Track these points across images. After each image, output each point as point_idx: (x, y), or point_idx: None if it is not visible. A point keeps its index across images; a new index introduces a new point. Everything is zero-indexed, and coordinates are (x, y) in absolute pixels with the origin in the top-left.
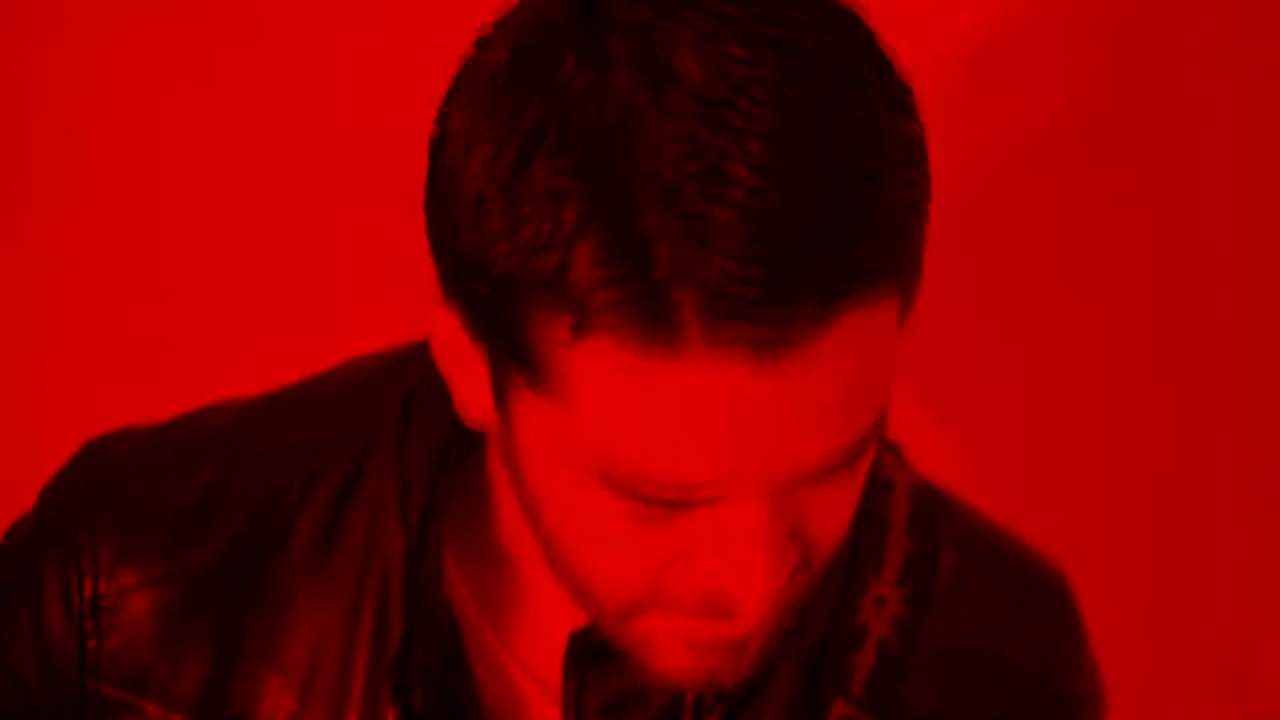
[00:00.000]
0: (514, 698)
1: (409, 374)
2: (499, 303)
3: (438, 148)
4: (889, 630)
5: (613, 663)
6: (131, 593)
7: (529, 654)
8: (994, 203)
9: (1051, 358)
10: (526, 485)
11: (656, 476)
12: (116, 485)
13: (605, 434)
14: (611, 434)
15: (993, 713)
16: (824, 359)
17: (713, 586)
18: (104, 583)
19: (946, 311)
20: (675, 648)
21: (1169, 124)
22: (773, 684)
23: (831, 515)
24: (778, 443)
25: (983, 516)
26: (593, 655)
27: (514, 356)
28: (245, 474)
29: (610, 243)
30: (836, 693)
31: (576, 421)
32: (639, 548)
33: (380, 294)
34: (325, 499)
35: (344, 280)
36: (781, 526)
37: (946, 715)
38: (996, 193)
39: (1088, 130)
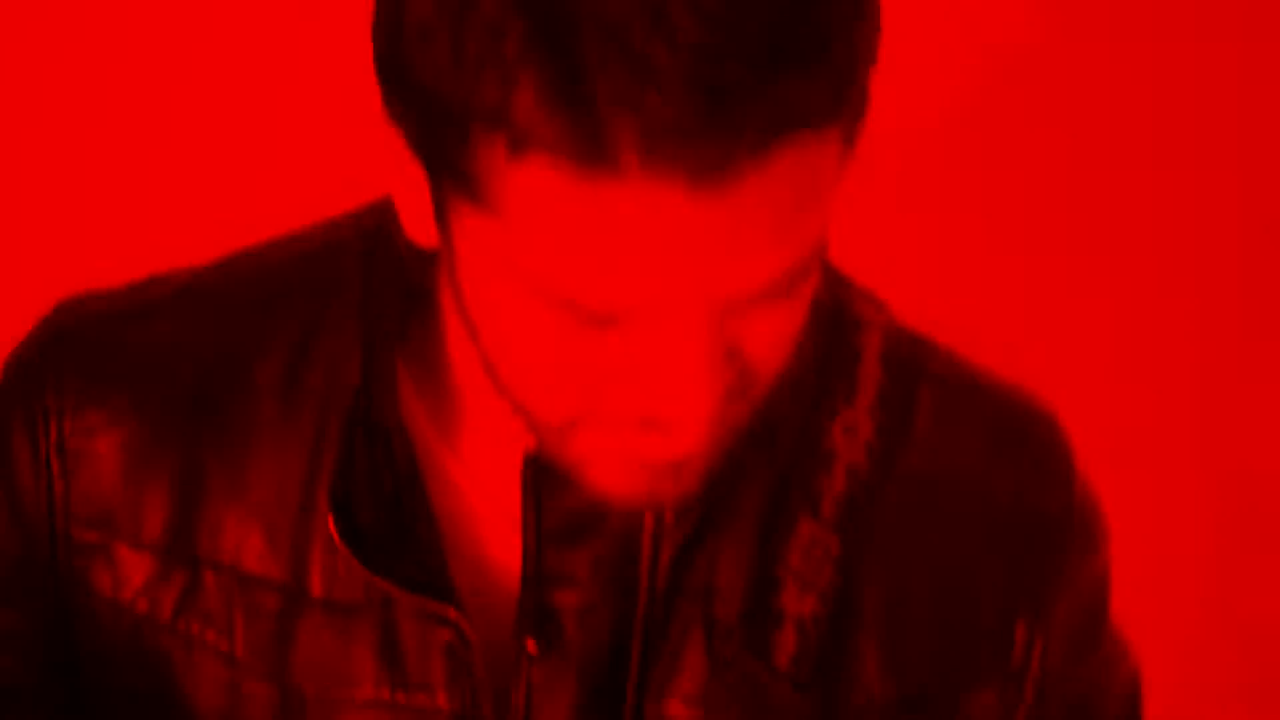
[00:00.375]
0: (472, 523)
1: (369, 226)
2: (441, 127)
3: None
4: (860, 457)
5: (568, 485)
6: (96, 432)
7: (486, 479)
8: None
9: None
10: (466, 303)
11: (590, 294)
12: (80, 332)
13: (541, 250)
14: (547, 251)
15: (976, 545)
16: (760, 190)
17: (648, 404)
18: (69, 423)
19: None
20: (613, 466)
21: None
22: (735, 506)
23: (769, 340)
24: (711, 266)
25: (964, 358)
26: (547, 477)
27: (454, 175)
28: (208, 320)
29: (552, 74)
30: (804, 513)
31: (513, 237)
32: (575, 364)
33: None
34: (287, 343)
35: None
36: (717, 347)
37: (918, 545)
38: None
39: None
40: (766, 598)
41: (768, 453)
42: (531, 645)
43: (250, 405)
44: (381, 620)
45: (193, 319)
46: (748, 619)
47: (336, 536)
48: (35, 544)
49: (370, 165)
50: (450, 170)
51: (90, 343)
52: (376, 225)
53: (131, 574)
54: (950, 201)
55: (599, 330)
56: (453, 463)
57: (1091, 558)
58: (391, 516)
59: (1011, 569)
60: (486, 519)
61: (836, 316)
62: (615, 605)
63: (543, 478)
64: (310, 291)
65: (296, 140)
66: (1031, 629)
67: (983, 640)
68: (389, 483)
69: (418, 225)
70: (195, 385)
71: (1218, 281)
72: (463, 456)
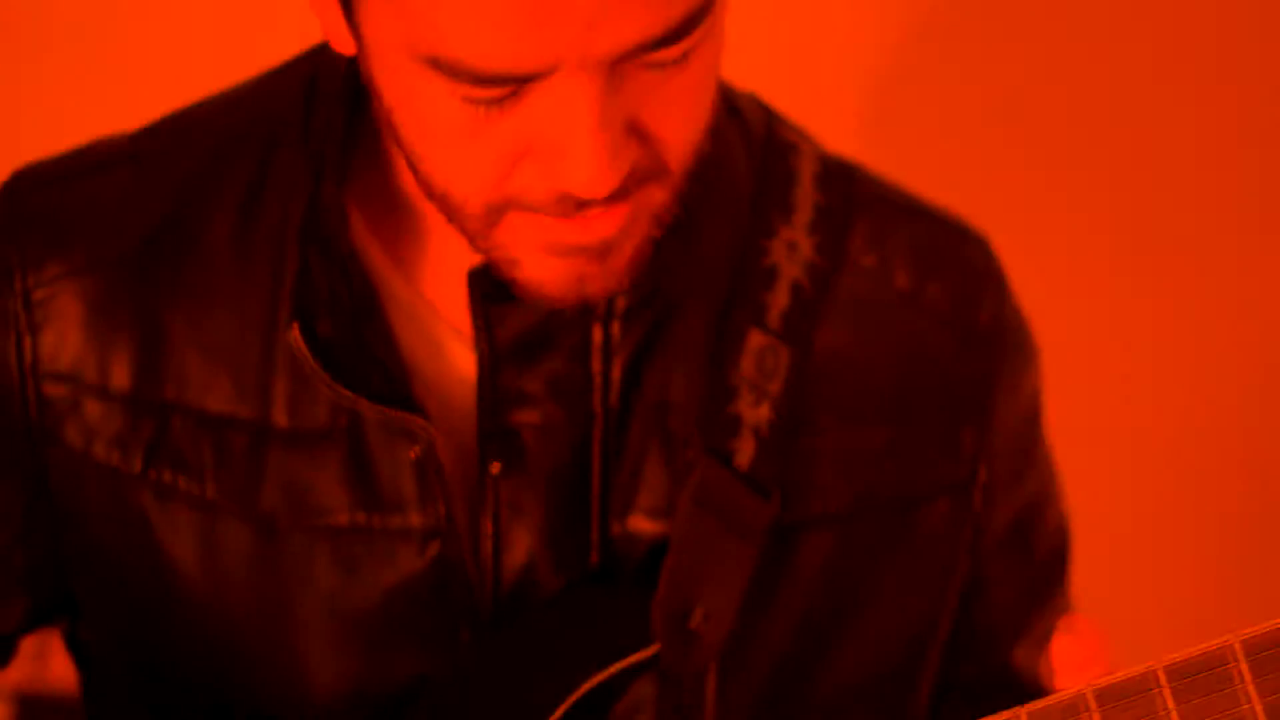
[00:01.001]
0: (429, 342)
1: (307, 68)
2: None
3: None
4: (801, 274)
5: (518, 303)
6: (58, 282)
7: (439, 298)
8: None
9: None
10: (384, 99)
11: (477, 55)
12: (34, 191)
13: (429, 17)
14: (435, 17)
15: (918, 357)
16: None
17: (554, 177)
18: (32, 276)
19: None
20: (540, 256)
21: None
22: (681, 320)
23: (673, 115)
24: (591, 17)
25: (896, 184)
26: (496, 295)
27: None
28: (160, 172)
29: None
30: (751, 325)
31: (404, 12)
32: (483, 142)
33: None
34: (239, 185)
35: None
36: (613, 112)
37: (863, 355)
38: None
39: None
40: (722, 406)
41: (710, 268)
42: (495, 464)
43: (206, 252)
44: (349, 444)
45: (144, 173)
46: (705, 428)
47: (301, 344)
48: (9, 408)
49: None
50: None
51: (45, 200)
52: (312, 69)
53: (101, 427)
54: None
55: (501, 111)
56: (408, 290)
57: (1026, 369)
58: (352, 337)
59: (954, 379)
60: (444, 342)
61: (769, 141)
62: (574, 423)
63: (490, 295)
64: (255, 137)
65: None
66: (977, 436)
67: (932, 449)
68: (347, 305)
69: (336, 34)
70: (150, 236)
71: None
72: (417, 283)
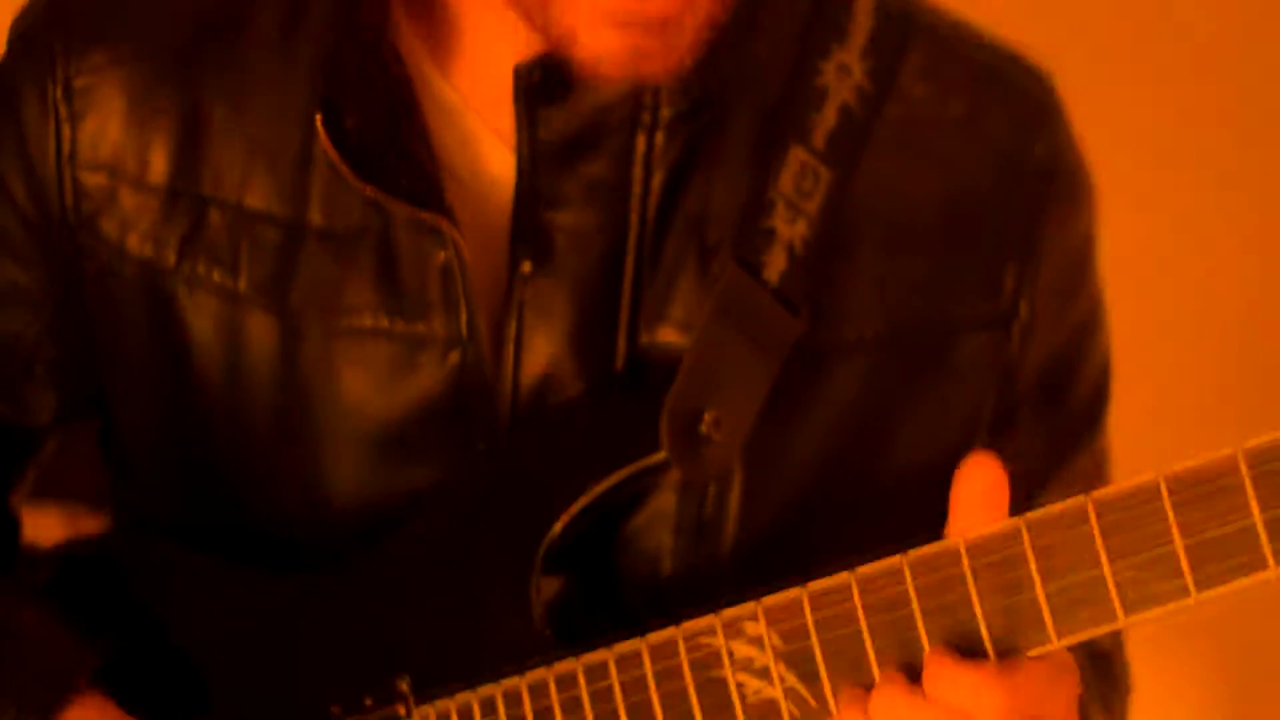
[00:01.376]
0: (465, 141)
1: None
2: None
3: None
4: (852, 97)
5: (563, 102)
6: (100, 72)
7: (478, 97)
8: None
9: None
10: None
11: None
12: None
13: None
14: None
15: (967, 189)
16: None
17: None
18: (74, 64)
19: None
20: (598, 25)
21: None
22: (725, 133)
23: None
24: None
25: (956, 15)
26: (541, 92)
27: None
28: None
29: None
30: (796, 142)
31: None
32: None
33: None
34: None
35: None
36: None
37: (909, 184)
38: None
39: None
40: (757, 219)
41: (759, 81)
42: (525, 264)
43: (252, 44)
44: (379, 246)
45: None
46: (736, 238)
47: (324, 135)
48: (46, 198)
49: None
50: None
51: None
52: None
53: (137, 218)
54: None
55: None
56: (446, 87)
57: (1079, 210)
58: (384, 132)
59: (1001, 214)
60: (481, 140)
61: None
62: (608, 229)
63: (535, 92)
64: None
65: None
66: (1020, 274)
67: (974, 282)
68: (380, 99)
69: None
70: (196, 30)
71: None
72: (456, 80)
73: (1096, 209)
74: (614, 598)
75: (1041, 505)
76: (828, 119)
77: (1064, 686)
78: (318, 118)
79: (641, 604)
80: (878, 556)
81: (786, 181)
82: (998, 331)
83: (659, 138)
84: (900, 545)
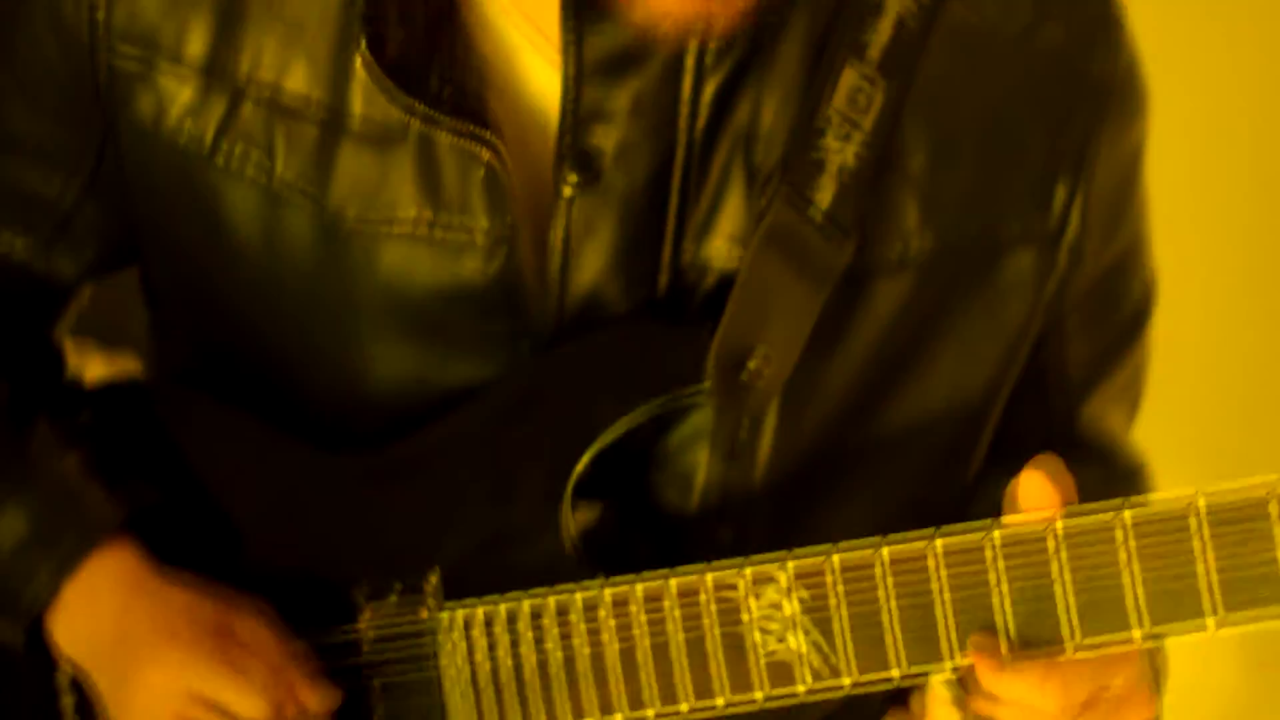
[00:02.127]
0: (509, 55)
1: None
2: None
3: None
4: (908, 10)
5: (611, 16)
6: None
7: (526, 10)
8: None
9: None
10: None
11: None
12: None
13: None
14: None
15: (1021, 103)
16: None
17: None
18: None
19: None
20: None
21: None
22: (779, 50)
23: None
24: None
25: None
26: (589, 4)
27: None
28: None
29: None
30: (850, 60)
31: None
32: None
33: None
34: None
35: None
36: None
37: (963, 94)
38: None
39: None
40: (808, 144)
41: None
42: (570, 182)
43: None
44: (420, 151)
45: None
46: (788, 166)
47: (367, 53)
48: (81, 68)
49: None
50: None
51: None
52: None
53: (173, 97)
54: None
55: None
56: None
57: (1133, 125)
58: (427, 46)
59: (1055, 128)
60: (524, 56)
61: None
62: (655, 145)
63: (584, 6)
64: None
65: None
66: (1071, 190)
67: (1023, 197)
68: (424, 12)
69: None
70: None
71: None
72: None
73: (1148, 120)
74: (646, 516)
75: (1088, 411)
76: (883, 33)
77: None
78: (363, 45)
79: (673, 523)
80: (911, 513)
81: (840, 99)
82: (1046, 248)
83: (710, 51)
84: (934, 477)
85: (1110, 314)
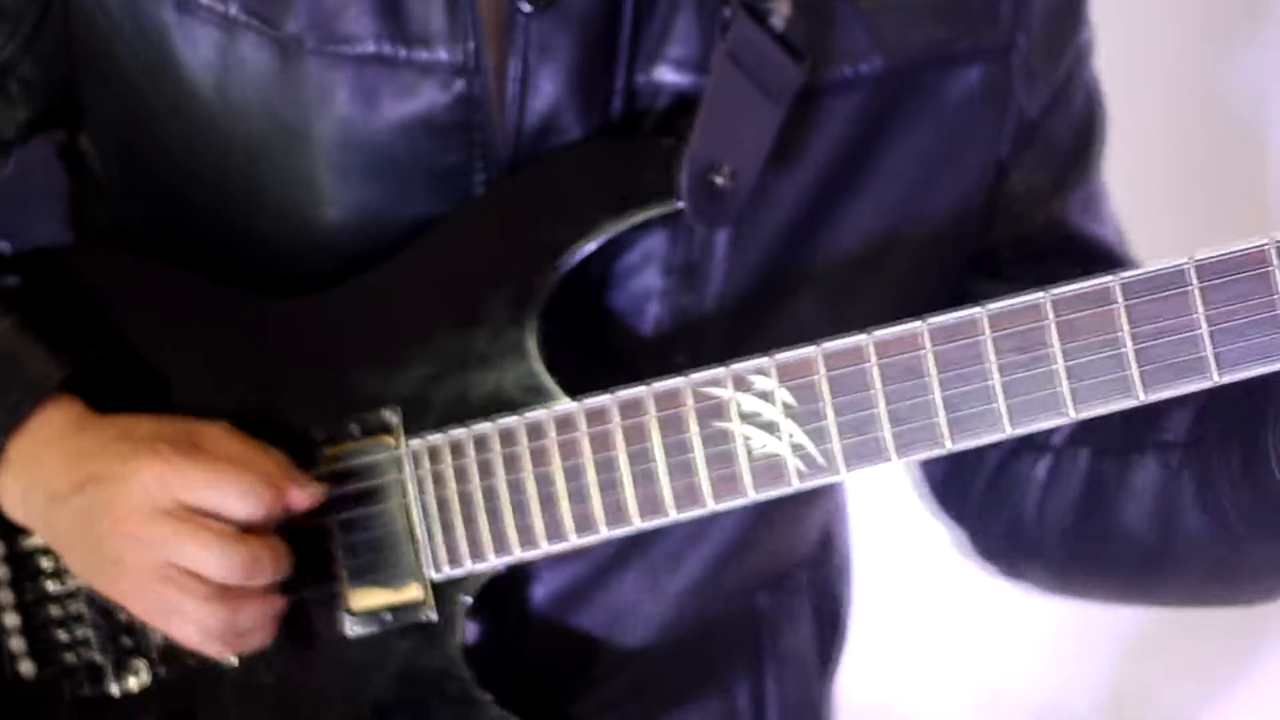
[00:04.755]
0: None
1: None
2: None
3: None
4: None
5: None
6: None
7: None
8: None
9: None
10: None
11: None
12: None
13: None
14: None
15: None
16: None
17: None
18: None
19: None
20: None
21: None
22: None
23: None
24: None
25: None
26: None
27: None
28: None
29: None
30: None
31: None
32: None
33: None
34: None
35: None
36: None
37: None
38: None
39: None
40: None
41: None
42: (527, 1)
43: None
44: None
45: None
46: None
47: None
48: None
49: None
50: None
51: None
52: None
53: None
54: None
55: None
56: None
57: None
58: None
59: None
60: None
61: None
62: None
63: None
64: None
65: None
66: (1017, 3)
67: (970, 15)
68: None
69: None
70: None
71: None
72: None
73: None
74: (600, 342)
75: (1059, 212)
76: None
77: None
78: None
79: (628, 347)
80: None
81: None
82: (995, 63)
83: None
84: (893, 299)
85: (1064, 123)
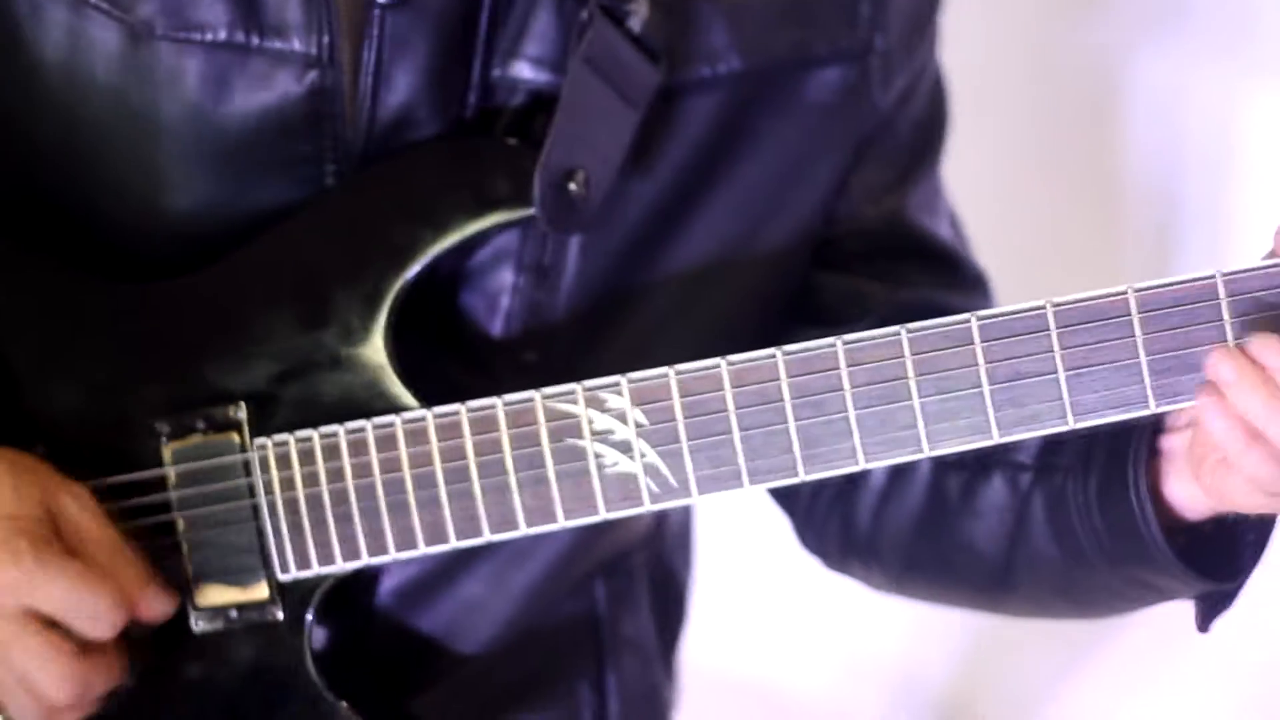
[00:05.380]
0: None
1: None
2: None
3: None
4: None
5: None
6: None
7: None
8: None
9: None
10: None
11: None
12: None
13: None
14: None
15: None
16: None
17: None
18: None
19: None
20: None
21: None
22: None
23: None
24: None
25: None
26: None
27: None
28: None
29: None
30: None
31: None
32: None
33: None
34: None
35: None
36: None
37: None
38: None
39: None
40: None
41: None
42: None
43: None
44: None
45: None
46: None
47: None
48: None
49: None
50: None
51: None
52: None
53: None
54: None
55: None
56: None
57: None
58: None
59: None
60: None
61: None
62: None
63: None
64: None
65: None
66: (875, 2)
67: (829, 17)
68: None
69: None
70: None
71: None
72: None
73: None
74: (452, 340)
75: (904, 209)
76: None
77: None
78: None
79: (479, 346)
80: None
81: None
82: (852, 66)
83: None
84: (746, 306)
85: (909, 119)
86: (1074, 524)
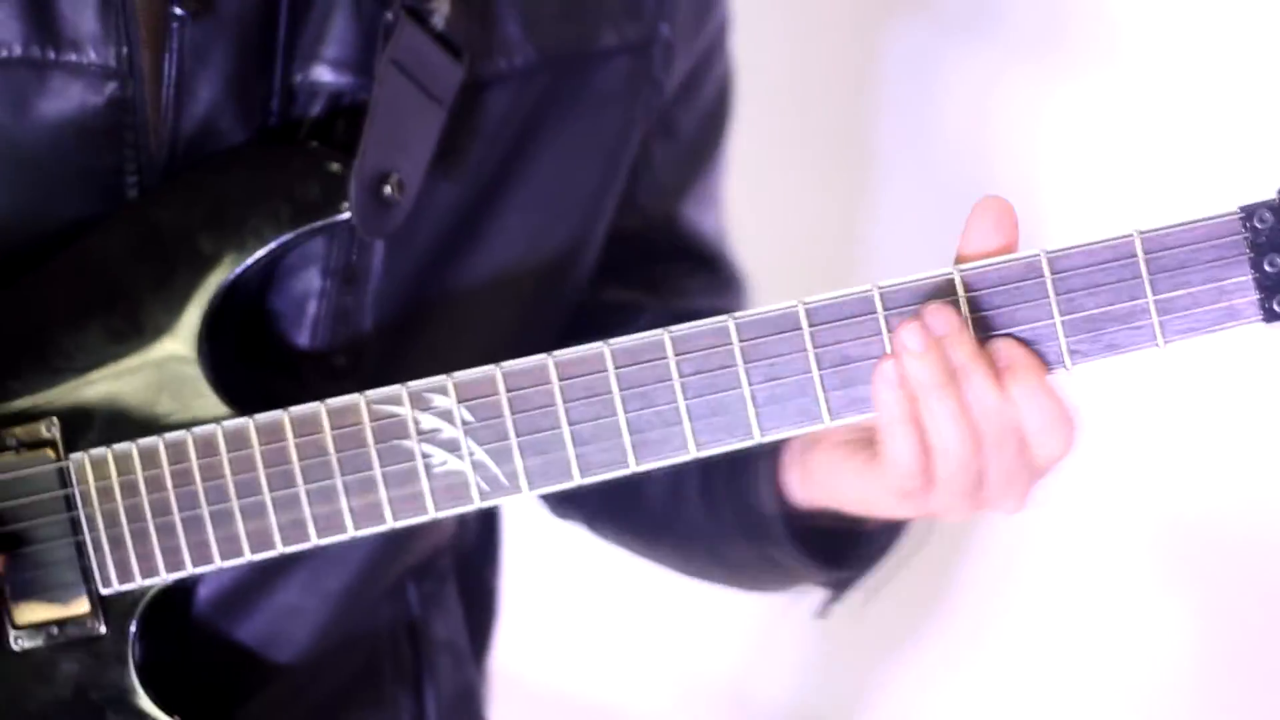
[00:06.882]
0: None
1: None
2: None
3: None
4: None
5: None
6: None
7: None
8: None
9: None
10: None
11: None
12: None
13: None
14: None
15: None
16: None
17: None
18: None
19: None
20: None
21: None
22: None
23: None
24: None
25: None
26: None
27: None
28: None
29: None
30: None
31: None
32: None
33: None
34: None
35: None
36: None
37: None
38: None
39: None
40: None
41: None
42: (180, 7)
43: None
44: None
45: None
46: None
47: None
48: None
49: None
50: None
51: None
52: None
53: None
54: None
55: None
56: None
57: None
58: None
59: None
60: None
61: None
62: None
63: None
64: None
65: None
66: None
67: (615, 7)
68: None
69: None
70: None
71: None
72: None
73: None
74: (263, 344)
75: (685, 213)
76: None
77: None
78: None
79: (290, 350)
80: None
81: None
82: (639, 55)
83: None
84: (540, 300)
85: (696, 107)
86: (719, 491)
